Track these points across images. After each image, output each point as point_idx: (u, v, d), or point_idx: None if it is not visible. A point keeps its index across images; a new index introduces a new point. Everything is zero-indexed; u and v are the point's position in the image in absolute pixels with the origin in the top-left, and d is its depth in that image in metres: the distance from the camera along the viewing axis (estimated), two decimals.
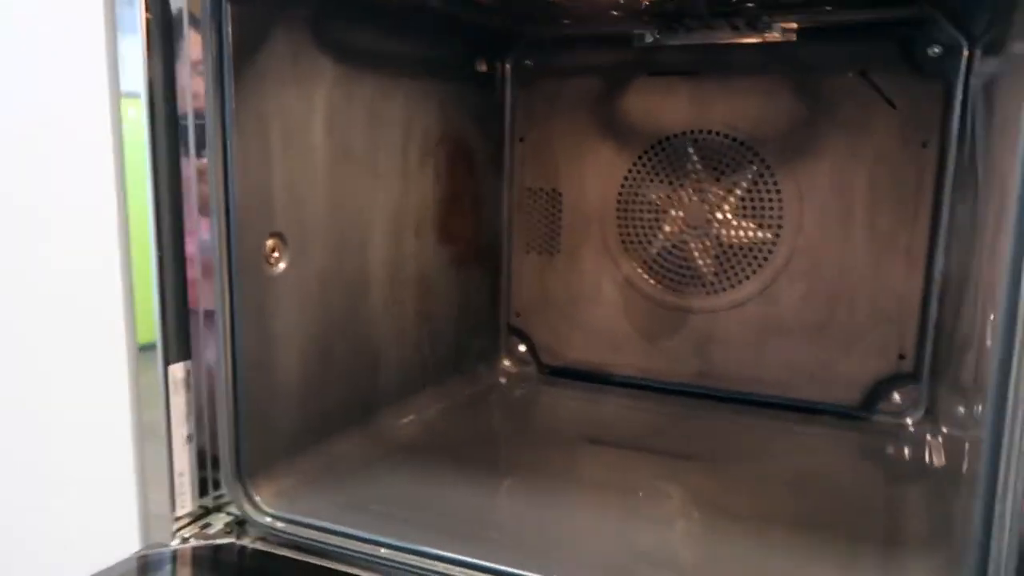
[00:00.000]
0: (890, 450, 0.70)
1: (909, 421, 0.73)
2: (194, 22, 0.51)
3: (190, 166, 0.53)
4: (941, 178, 0.69)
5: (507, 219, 0.87)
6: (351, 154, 0.65)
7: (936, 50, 0.68)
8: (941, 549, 0.51)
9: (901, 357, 0.73)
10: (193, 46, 0.52)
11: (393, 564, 0.52)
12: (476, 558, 0.50)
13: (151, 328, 0.54)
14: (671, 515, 0.59)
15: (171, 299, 0.54)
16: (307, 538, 0.54)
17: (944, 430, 0.68)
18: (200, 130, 0.53)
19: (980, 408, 0.60)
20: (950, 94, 0.68)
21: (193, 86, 0.52)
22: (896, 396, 0.74)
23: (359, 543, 0.53)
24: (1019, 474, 0.35)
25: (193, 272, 0.55)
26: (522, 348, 0.89)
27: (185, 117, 0.53)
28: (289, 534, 0.55)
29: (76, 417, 0.57)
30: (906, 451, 0.70)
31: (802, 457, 0.70)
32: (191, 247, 0.55)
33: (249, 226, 0.55)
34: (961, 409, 0.66)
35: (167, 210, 0.53)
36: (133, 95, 0.51)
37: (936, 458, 0.67)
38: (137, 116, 0.52)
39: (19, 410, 0.60)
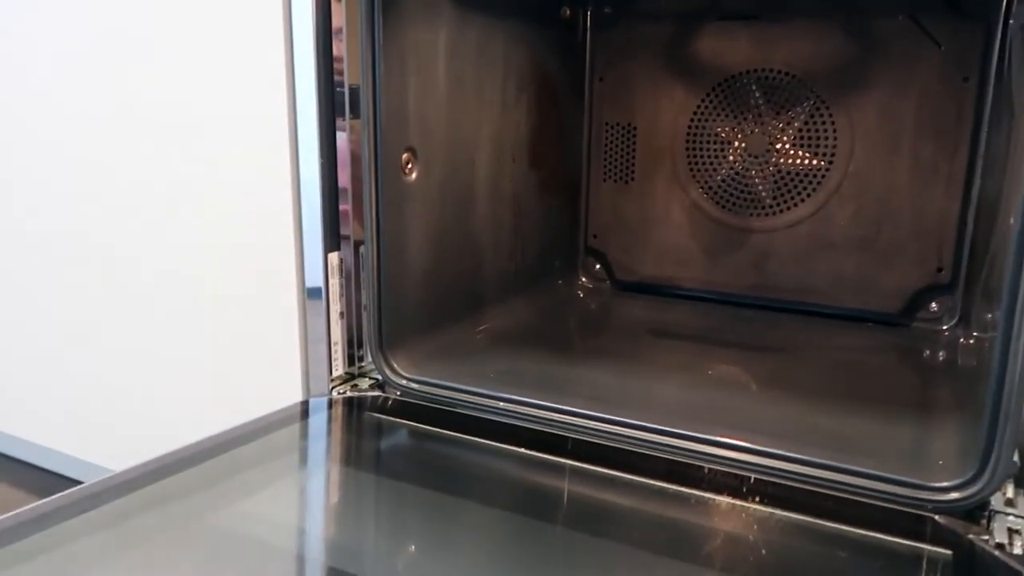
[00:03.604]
0: (924, 350, 0.80)
1: (944, 327, 0.83)
2: None
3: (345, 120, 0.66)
4: (980, 111, 0.78)
5: (587, 151, 0.98)
6: (463, 85, 0.76)
7: None
8: (963, 412, 0.61)
9: (939, 270, 0.82)
10: None
11: (506, 412, 0.64)
12: (570, 407, 0.63)
13: (315, 224, 0.67)
14: (730, 383, 0.71)
15: (328, 208, 0.67)
16: (437, 395, 0.67)
17: (975, 334, 0.78)
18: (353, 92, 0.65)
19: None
20: (990, 34, 0.76)
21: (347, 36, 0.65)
22: (934, 305, 0.83)
23: (480, 397, 0.66)
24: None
25: (344, 181, 0.68)
26: (598, 266, 1.01)
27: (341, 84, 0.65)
28: (422, 392, 0.68)
29: (259, 295, 0.71)
30: (939, 351, 0.80)
31: (845, 353, 0.81)
32: (342, 169, 0.67)
33: (391, 140, 0.67)
34: (988, 315, 0.76)
35: (326, 137, 0.66)
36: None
37: (964, 357, 0.77)
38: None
39: (223, 298, 0.75)
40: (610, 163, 0.97)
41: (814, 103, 0.85)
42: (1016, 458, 0.51)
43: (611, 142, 0.97)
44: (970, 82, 0.78)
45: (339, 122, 0.67)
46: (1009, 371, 0.46)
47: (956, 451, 0.53)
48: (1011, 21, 0.75)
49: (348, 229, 0.68)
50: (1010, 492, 0.50)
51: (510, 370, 0.73)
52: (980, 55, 0.77)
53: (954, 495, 0.49)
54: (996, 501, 0.50)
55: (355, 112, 0.66)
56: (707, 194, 0.92)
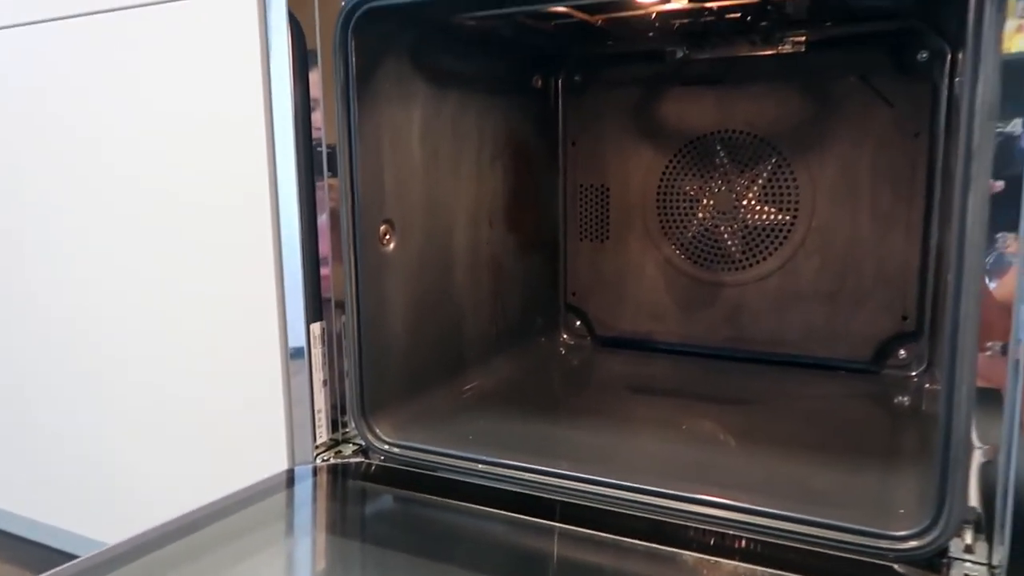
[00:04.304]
0: (894, 397, 0.83)
1: (913, 374, 0.85)
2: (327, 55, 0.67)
3: (323, 182, 0.69)
4: (932, 164, 0.82)
5: (563, 212, 1.01)
6: (439, 157, 0.80)
7: (924, 55, 0.80)
8: (925, 459, 0.63)
9: (904, 318, 0.85)
10: (326, 73, 0.68)
11: (487, 474, 0.66)
12: (551, 467, 0.65)
13: (297, 297, 0.69)
14: (706, 437, 0.73)
15: (310, 275, 0.70)
16: (419, 459, 0.69)
17: (938, 379, 0.80)
18: (331, 152, 0.68)
19: None
20: (936, 92, 0.80)
21: (324, 106, 0.68)
22: (902, 352, 0.86)
23: (460, 460, 0.68)
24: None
25: (325, 244, 0.70)
26: (578, 323, 1.03)
27: (319, 143, 0.69)
28: (405, 456, 0.70)
29: (243, 366, 0.73)
30: (908, 398, 0.82)
31: (818, 402, 0.83)
32: (323, 235, 0.70)
33: (369, 213, 0.70)
34: None
35: (306, 207, 0.69)
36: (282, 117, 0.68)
37: (930, 402, 0.79)
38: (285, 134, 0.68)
39: (207, 371, 0.77)
40: (585, 223, 1.01)
41: (776, 161, 0.89)
42: (976, 503, 0.54)
43: (585, 203, 1.00)
44: (921, 137, 0.82)
45: (318, 183, 0.70)
46: (955, 420, 0.48)
47: (917, 499, 0.55)
48: (956, 79, 0.79)
49: (330, 292, 0.71)
50: (969, 538, 0.51)
51: (493, 431, 0.75)
52: (929, 112, 0.81)
53: (913, 543, 0.51)
54: (956, 548, 0.51)
55: (334, 171, 0.69)
56: (679, 250, 0.96)
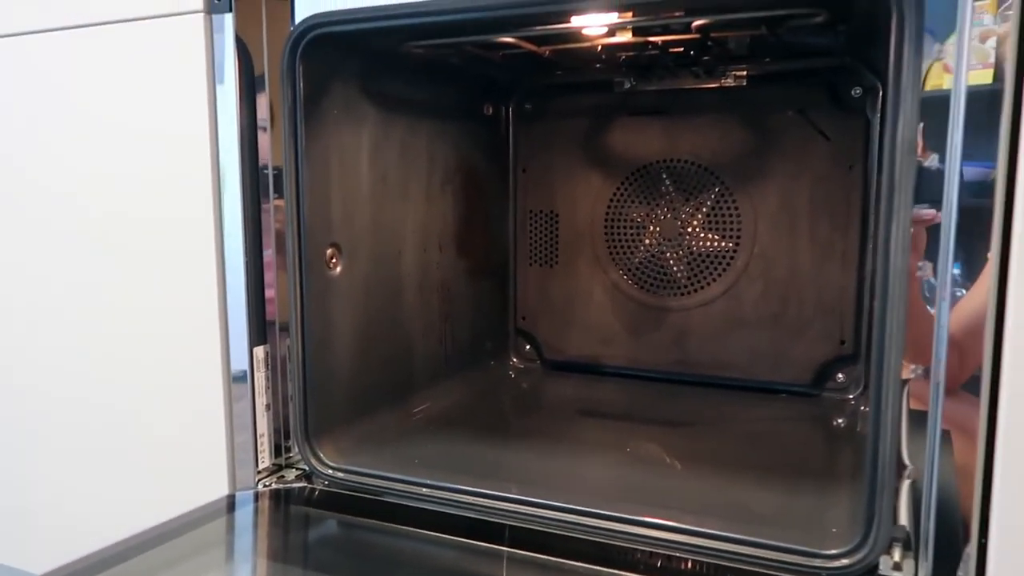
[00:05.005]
0: (833, 419, 0.85)
1: (851, 396, 0.88)
2: (275, 79, 0.67)
3: (269, 204, 0.69)
4: (866, 195, 0.85)
5: (513, 237, 1.02)
6: (388, 181, 0.80)
7: (858, 91, 0.84)
8: (857, 480, 0.65)
9: (842, 342, 0.88)
10: (273, 96, 0.68)
11: (432, 498, 0.66)
12: (496, 491, 0.65)
13: (240, 320, 0.69)
14: (652, 460, 0.74)
15: (254, 298, 0.69)
16: (364, 483, 0.69)
17: None
18: (277, 174, 0.69)
19: None
20: (869, 126, 0.84)
21: (271, 130, 0.68)
22: (840, 375, 0.89)
23: (405, 484, 0.67)
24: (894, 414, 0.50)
25: (270, 277, 0.70)
26: (527, 347, 1.04)
27: (266, 166, 0.69)
28: (349, 481, 0.69)
29: (183, 390, 0.72)
30: (845, 419, 0.84)
31: (762, 424, 0.85)
32: (268, 258, 0.70)
33: (315, 237, 0.70)
34: None
35: (251, 229, 0.69)
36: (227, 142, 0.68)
37: (866, 424, 0.81)
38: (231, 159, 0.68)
39: (146, 395, 0.75)
40: (535, 248, 1.02)
41: (719, 190, 0.91)
42: (907, 521, 0.55)
43: (535, 228, 1.02)
44: (855, 169, 0.85)
45: (264, 205, 0.69)
46: (881, 442, 0.50)
47: (850, 518, 0.57)
48: (887, 114, 0.83)
49: (275, 315, 0.70)
50: (897, 556, 0.53)
51: (440, 455, 0.75)
52: (862, 145, 0.84)
53: (844, 561, 0.52)
54: (885, 565, 0.53)
55: (280, 193, 0.69)
56: (626, 275, 0.97)
